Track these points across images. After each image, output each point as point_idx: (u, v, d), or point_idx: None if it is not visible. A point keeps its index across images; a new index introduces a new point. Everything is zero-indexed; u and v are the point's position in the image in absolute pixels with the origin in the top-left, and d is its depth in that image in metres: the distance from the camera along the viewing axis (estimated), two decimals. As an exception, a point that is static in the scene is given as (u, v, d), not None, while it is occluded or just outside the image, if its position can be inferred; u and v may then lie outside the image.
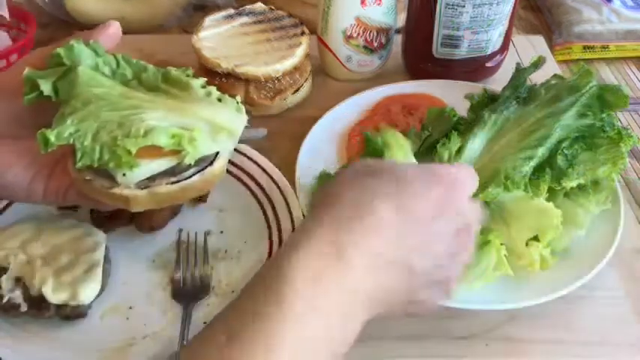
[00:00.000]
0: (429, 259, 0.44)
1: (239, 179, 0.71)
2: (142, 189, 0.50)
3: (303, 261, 0.40)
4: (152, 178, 0.50)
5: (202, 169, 0.52)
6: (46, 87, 0.50)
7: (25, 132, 0.51)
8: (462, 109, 0.74)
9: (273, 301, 0.38)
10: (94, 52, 0.52)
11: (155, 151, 0.49)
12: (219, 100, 0.53)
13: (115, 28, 0.55)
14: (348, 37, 0.85)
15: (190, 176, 0.51)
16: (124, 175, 0.49)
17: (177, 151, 0.49)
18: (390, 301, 0.43)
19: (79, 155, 0.48)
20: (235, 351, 0.37)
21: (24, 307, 0.55)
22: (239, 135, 0.54)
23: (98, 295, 0.58)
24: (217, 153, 0.53)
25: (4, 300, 0.55)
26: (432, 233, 0.44)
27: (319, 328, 0.39)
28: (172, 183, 0.50)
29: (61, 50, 0.51)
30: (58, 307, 0.56)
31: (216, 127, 0.51)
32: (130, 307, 0.60)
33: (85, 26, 1.02)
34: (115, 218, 0.66)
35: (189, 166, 0.51)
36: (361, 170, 0.46)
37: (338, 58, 0.88)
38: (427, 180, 0.44)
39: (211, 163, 0.52)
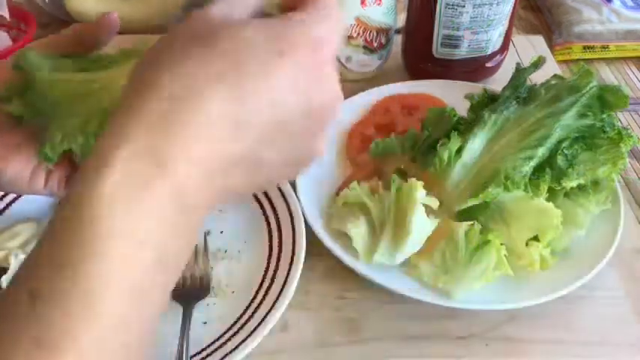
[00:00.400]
0: (280, 146, 0.36)
1: (239, 179, 0.71)
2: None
3: (112, 180, 0.30)
4: None
5: None
6: (17, 109, 0.49)
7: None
8: (462, 109, 0.74)
9: (81, 242, 0.29)
10: (46, 58, 0.51)
11: None
12: None
13: (113, 19, 0.54)
14: (348, 37, 0.85)
15: None
16: None
17: None
18: (238, 192, 0.36)
19: (78, 154, 0.48)
20: (43, 311, 0.28)
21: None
22: None
23: (98, 295, 0.58)
24: None
25: None
26: (281, 117, 0.34)
27: (147, 261, 0.31)
28: None
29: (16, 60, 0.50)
30: (58, 307, 0.56)
31: None
32: (130, 307, 0.60)
33: (85, 26, 1.02)
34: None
35: None
36: (188, 36, 0.34)
37: (338, 58, 0.88)
38: (279, 53, 0.34)
39: None
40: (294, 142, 0.36)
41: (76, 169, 0.53)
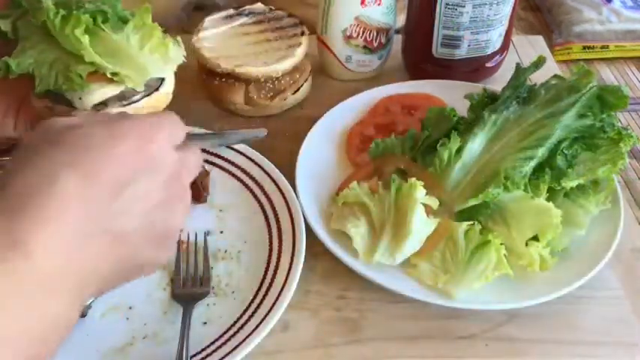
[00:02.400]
0: (136, 219, 0.41)
1: (239, 179, 0.72)
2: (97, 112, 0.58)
3: None
4: (105, 103, 0.58)
5: (149, 94, 0.59)
6: (5, 26, 0.57)
7: None
8: (462, 109, 0.74)
9: None
10: None
11: (104, 79, 0.57)
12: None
13: None
14: (348, 37, 0.85)
15: (138, 100, 0.59)
16: (79, 99, 0.57)
17: (122, 81, 0.57)
18: (105, 275, 0.40)
19: (37, 82, 0.56)
20: None
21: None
22: (178, 62, 0.61)
23: (98, 295, 0.58)
24: (163, 80, 0.61)
25: None
26: (130, 193, 0.40)
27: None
28: (123, 106, 0.58)
29: None
30: (58, 307, 0.56)
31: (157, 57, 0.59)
32: (130, 307, 0.60)
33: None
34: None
35: (137, 92, 0.59)
36: (41, 138, 0.41)
37: (338, 58, 0.88)
38: (111, 137, 0.40)
39: (157, 89, 0.60)
40: (151, 215, 0.42)
41: (38, 114, 0.60)
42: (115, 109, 0.57)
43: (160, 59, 0.59)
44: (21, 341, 0.33)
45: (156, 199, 0.42)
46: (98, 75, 0.56)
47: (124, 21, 0.58)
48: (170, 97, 0.63)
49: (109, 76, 0.57)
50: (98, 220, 0.38)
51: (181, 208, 0.45)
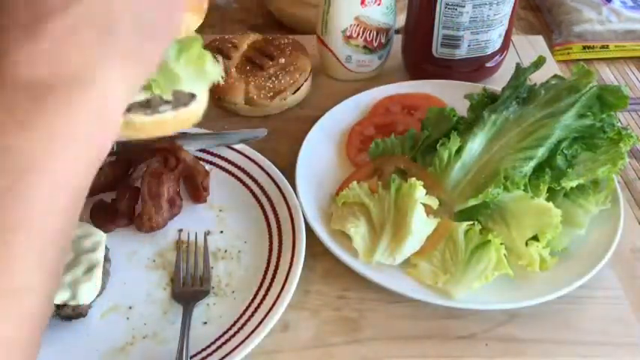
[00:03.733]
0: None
1: (239, 179, 0.72)
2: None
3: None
4: (129, 109, 0.53)
5: (176, 107, 0.55)
6: None
7: None
8: (462, 109, 0.74)
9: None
10: None
11: None
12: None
13: None
14: (348, 37, 0.85)
15: (164, 111, 0.54)
16: None
17: (150, 86, 0.53)
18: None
19: None
20: None
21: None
22: (213, 80, 0.56)
23: (98, 295, 0.58)
24: (194, 96, 0.56)
25: None
26: None
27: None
28: (147, 115, 0.53)
29: None
30: (58, 307, 0.56)
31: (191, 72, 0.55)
32: (130, 307, 0.60)
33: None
34: (115, 218, 0.66)
35: (164, 102, 0.54)
36: None
37: (338, 58, 0.88)
38: None
39: (186, 104, 0.56)
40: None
41: None
42: (138, 117, 0.53)
43: (194, 72, 0.55)
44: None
45: None
46: None
47: None
48: (199, 117, 0.57)
49: None
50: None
51: None
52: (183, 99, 0.56)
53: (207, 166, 0.72)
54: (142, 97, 0.53)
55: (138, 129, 0.54)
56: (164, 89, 0.53)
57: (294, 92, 0.84)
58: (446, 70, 0.86)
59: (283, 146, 0.77)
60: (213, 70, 0.56)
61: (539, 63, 0.73)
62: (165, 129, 0.54)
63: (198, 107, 0.57)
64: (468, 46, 0.83)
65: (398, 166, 0.69)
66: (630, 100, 0.66)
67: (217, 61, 0.56)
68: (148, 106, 0.53)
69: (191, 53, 0.54)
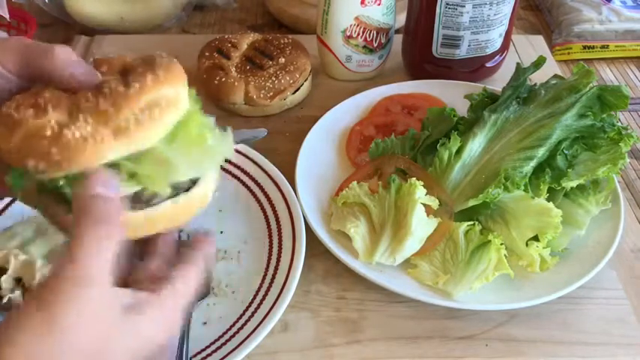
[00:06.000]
0: None
1: (239, 179, 0.71)
2: None
3: None
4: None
5: (175, 196, 0.42)
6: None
7: None
8: (462, 109, 0.74)
9: None
10: None
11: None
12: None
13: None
14: (348, 37, 0.85)
15: (157, 203, 0.42)
16: None
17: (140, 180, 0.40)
18: None
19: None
20: None
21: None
22: (222, 158, 0.45)
23: (98, 296, 0.58)
24: (198, 179, 0.44)
25: (4, 300, 0.55)
26: None
27: None
28: (136, 210, 0.41)
29: None
30: (58, 307, 0.56)
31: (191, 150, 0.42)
32: (130, 308, 0.60)
33: (85, 27, 1.02)
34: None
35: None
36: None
37: (338, 58, 0.88)
38: None
39: (188, 189, 0.43)
40: None
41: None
42: (127, 213, 0.40)
43: (196, 155, 0.42)
44: None
45: None
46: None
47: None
48: (208, 199, 0.46)
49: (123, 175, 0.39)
50: None
51: None
52: (182, 185, 0.43)
53: (207, 166, 0.72)
54: (129, 191, 0.40)
55: (132, 229, 0.41)
56: (159, 183, 0.40)
57: (294, 92, 0.84)
58: (446, 70, 0.86)
59: (283, 146, 0.77)
60: (221, 144, 0.43)
61: (539, 63, 0.73)
62: (164, 223, 0.43)
63: (205, 190, 0.45)
64: (468, 46, 0.83)
65: (398, 166, 0.69)
66: (630, 100, 0.66)
67: (224, 130, 0.44)
68: (138, 200, 0.41)
69: (188, 132, 0.42)
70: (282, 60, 0.83)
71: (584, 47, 1.02)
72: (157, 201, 0.42)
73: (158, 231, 0.44)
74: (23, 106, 0.38)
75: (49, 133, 0.36)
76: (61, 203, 0.39)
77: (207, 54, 0.85)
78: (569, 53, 1.03)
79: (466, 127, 0.70)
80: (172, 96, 0.40)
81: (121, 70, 0.41)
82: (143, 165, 0.40)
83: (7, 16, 0.92)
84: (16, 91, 0.40)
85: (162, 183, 0.40)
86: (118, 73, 0.41)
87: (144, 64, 0.40)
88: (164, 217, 0.42)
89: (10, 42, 0.42)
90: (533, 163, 0.63)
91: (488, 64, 0.88)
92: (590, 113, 0.65)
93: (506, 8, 0.81)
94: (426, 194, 0.62)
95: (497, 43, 0.85)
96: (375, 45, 0.87)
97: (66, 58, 0.39)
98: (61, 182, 0.38)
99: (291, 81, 0.83)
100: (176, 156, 0.41)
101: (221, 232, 0.67)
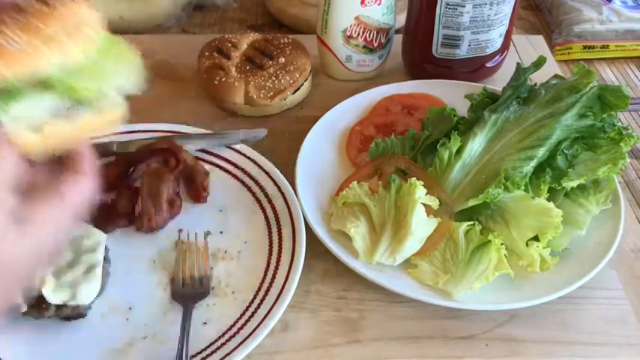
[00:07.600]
0: None
1: (239, 179, 0.71)
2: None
3: None
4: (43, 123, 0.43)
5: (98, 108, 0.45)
6: None
7: None
8: (462, 109, 0.74)
9: None
10: None
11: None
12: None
13: None
14: (348, 37, 0.85)
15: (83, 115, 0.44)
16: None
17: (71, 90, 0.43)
18: None
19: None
20: None
21: (24, 308, 0.55)
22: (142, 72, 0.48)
23: (98, 295, 0.58)
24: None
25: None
26: None
27: None
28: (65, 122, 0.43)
29: None
30: (58, 307, 0.56)
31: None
32: (130, 308, 0.60)
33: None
34: (114, 218, 0.66)
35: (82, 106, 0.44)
36: None
37: (338, 58, 0.88)
38: None
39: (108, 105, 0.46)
40: None
41: None
42: (56, 128, 0.42)
43: (124, 65, 0.47)
44: None
45: None
46: None
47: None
48: (124, 110, 0.47)
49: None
50: None
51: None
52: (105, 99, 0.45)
53: (207, 166, 0.72)
54: (62, 105, 0.43)
55: (59, 139, 0.43)
56: (90, 92, 0.43)
57: (294, 92, 0.84)
58: (446, 70, 0.86)
59: (283, 146, 0.77)
60: (137, 62, 0.48)
61: (539, 63, 0.73)
62: (88, 132, 0.45)
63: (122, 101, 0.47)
64: (468, 46, 0.83)
65: (398, 166, 0.69)
66: (631, 100, 0.66)
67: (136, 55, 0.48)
68: (66, 113, 0.43)
69: (116, 46, 0.46)
70: (282, 60, 0.83)
71: (585, 47, 1.02)
72: (77, 113, 0.44)
73: (84, 138, 0.46)
74: None
75: None
76: None
77: (207, 54, 0.85)
78: (569, 53, 1.03)
79: (466, 127, 0.70)
80: (95, 15, 0.43)
81: None
82: (75, 77, 0.42)
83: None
84: None
85: (93, 92, 0.44)
86: None
87: None
88: (89, 127, 0.45)
89: None
90: (533, 163, 0.63)
91: (488, 64, 0.88)
92: (590, 113, 0.65)
93: (507, 8, 0.81)
94: (426, 194, 0.62)
95: (498, 43, 0.85)
96: (375, 45, 0.87)
97: None
98: None
99: (291, 81, 0.83)
100: (107, 65, 0.45)
101: (221, 233, 0.67)
